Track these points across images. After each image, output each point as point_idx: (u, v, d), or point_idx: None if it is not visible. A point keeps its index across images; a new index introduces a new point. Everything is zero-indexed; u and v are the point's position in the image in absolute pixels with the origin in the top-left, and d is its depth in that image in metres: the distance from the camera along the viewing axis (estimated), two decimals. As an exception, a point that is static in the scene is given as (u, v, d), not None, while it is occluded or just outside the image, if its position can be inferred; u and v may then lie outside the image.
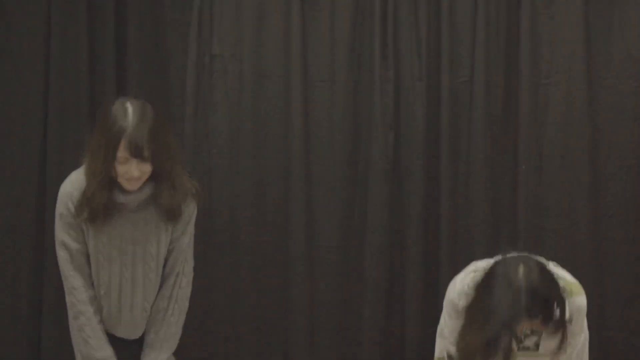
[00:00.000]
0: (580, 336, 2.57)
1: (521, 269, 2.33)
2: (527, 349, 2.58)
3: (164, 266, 2.78)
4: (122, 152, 2.56)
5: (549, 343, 2.53)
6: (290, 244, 3.56)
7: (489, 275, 2.39)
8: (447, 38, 3.54)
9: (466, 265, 2.76)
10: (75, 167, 2.89)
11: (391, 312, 3.56)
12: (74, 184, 2.71)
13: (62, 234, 2.71)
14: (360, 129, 3.61)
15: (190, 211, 2.78)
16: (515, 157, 3.53)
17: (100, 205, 2.62)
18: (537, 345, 2.58)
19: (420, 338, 3.49)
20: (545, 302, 2.31)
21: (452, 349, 2.60)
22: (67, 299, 2.73)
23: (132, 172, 2.59)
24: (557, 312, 2.33)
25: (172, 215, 2.71)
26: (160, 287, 2.78)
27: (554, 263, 2.51)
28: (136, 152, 2.57)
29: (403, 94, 3.58)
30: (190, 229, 2.80)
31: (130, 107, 2.59)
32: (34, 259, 3.58)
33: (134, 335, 2.78)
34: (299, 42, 3.56)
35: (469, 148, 3.51)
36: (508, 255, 2.42)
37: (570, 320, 2.48)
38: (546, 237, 3.50)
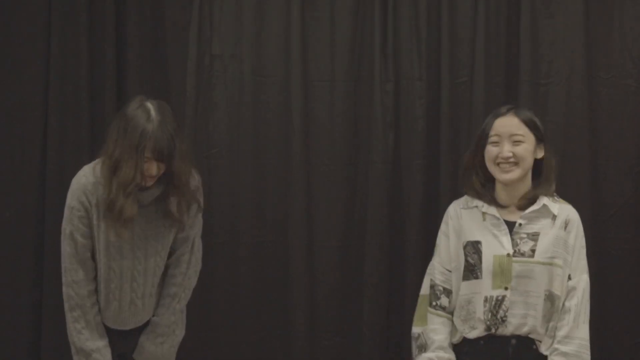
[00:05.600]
0: (575, 251, 2.75)
1: None
2: (522, 254, 2.64)
3: (173, 253, 2.85)
4: (146, 153, 2.64)
5: (544, 249, 2.70)
6: (290, 244, 3.56)
7: None
8: (447, 38, 3.54)
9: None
10: (76, 167, 2.90)
11: (391, 312, 3.56)
12: (88, 177, 2.75)
13: (70, 227, 2.75)
14: (360, 129, 3.61)
15: (195, 209, 2.85)
16: (515, 157, 3.53)
17: (130, 213, 2.67)
18: (532, 252, 2.68)
19: (420, 338, 3.49)
20: (526, 113, 2.81)
21: (440, 278, 2.83)
22: (65, 290, 2.76)
23: (152, 171, 2.68)
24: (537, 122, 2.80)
25: (175, 220, 2.78)
26: (170, 274, 2.84)
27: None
28: (159, 155, 2.65)
29: (403, 94, 3.58)
30: (199, 221, 2.89)
31: (152, 109, 2.67)
32: (34, 259, 3.58)
33: (139, 323, 2.83)
34: (298, 42, 3.56)
35: (469, 148, 3.51)
36: None
37: (565, 225, 2.74)
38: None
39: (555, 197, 2.80)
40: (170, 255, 2.85)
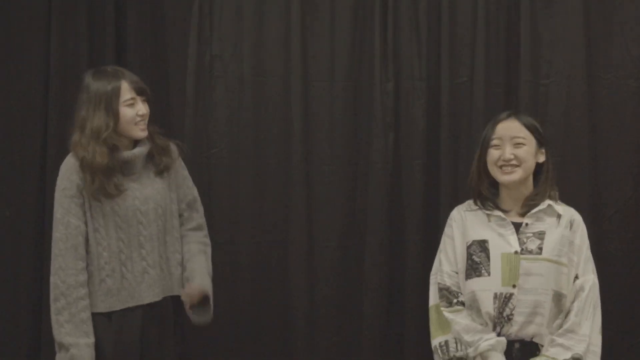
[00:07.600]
0: (582, 252, 2.78)
1: None
2: (530, 252, 2.66)
3: (188, 221, 2.97)
4: (127, 94, 2.69)
5: (551, 247, 2.72)
6: (290, 244, 3.56)
7: None
8: (447, 38, 3.54)
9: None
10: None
11: (391, 312, 3.56)
12: (75, 158, 2.77)
13: (62, 210, 2.72)
14: (360, 129, 3.61)
15: (178, 159, 2.94)
16: (515, 157, 3.53)
17: (104, 165, 2.68)
18: (540, 249, 2.71)
19: (420, 338, 3.48)
20: (526, 117, 2.87)
21: (450, 281, 2.83)
22: (52, 279, 2.72)
23: (142, 109, 2.73)
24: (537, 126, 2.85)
25: (166, 166, 2.85)
26: (194, 240, 2.96)
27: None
28: (140, 90, 2.74)
29: (403, 94, 3.58)
30: (188, 176, 2.99)
31: (106, 66, 2.81)
32: (34, 259, 3.58)
33: (157, 296, 2.79)
34: (299, 42, 3.56)
35: (468, 148, 3.51)
36: None
37: (570, 225, 2.77)
38: (546, 237, 3.49)
39: (558, 202, 2.84)
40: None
